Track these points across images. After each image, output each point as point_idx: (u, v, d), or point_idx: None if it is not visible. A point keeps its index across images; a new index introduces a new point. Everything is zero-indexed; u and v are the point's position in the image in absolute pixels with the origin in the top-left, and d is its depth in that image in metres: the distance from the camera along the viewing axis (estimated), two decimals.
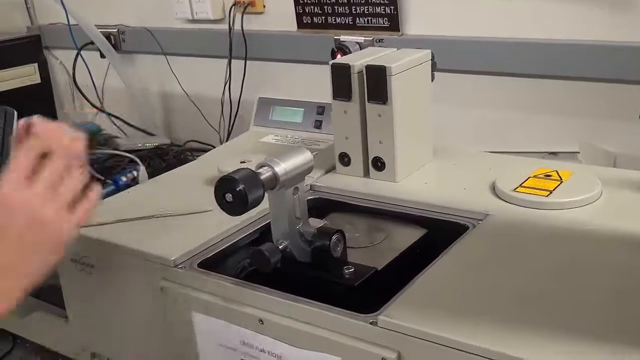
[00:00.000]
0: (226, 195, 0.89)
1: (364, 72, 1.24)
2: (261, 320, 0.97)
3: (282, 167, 0.94)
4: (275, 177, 0.94)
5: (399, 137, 1.25)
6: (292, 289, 0.97)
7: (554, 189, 1.15)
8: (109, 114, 2.43)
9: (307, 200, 1.27)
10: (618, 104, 1.57)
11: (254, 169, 0.94)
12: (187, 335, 1.06)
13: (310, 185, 1.31)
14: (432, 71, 1.32)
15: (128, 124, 2.43)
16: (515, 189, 1.16)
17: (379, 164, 1.28)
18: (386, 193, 1.23)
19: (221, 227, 1.13)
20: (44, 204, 0.74)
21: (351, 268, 1.02)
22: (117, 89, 2.38)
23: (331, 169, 1.35)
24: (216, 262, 1.08)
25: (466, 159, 1.36)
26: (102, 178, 2.05)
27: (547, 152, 1.65)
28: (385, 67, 1.21)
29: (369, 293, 0.99)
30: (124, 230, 1.17)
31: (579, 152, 1.65)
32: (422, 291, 0.93)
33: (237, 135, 1.65)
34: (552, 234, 1.05)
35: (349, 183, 1.29)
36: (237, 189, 0.88)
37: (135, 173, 2.02)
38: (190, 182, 1.35)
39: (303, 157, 0.98)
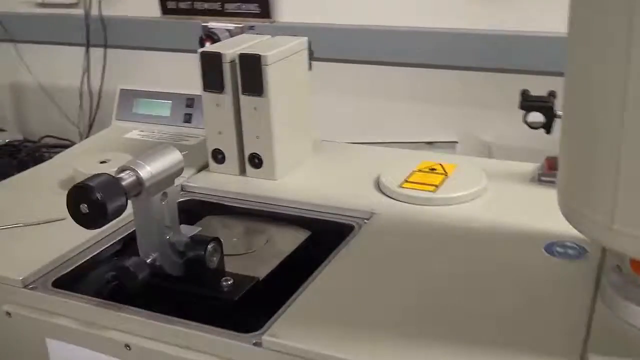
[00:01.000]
0: (81, 205, 0.76)
1: (237, 61, 1.14)
2: (128, 346, 0.85)
3: (147, 171, 0.82)
4: (139, 183, 0.82)
5: (277, 132, 1.16)
6: (163, 307, 0.86)
7: (440, 184, 1.10)
8: None
9: (179, 202, 1.14)
10: (497, 93, 1.56)
11: (114, 173, 0.82)
12: None
13: (182, 186, 1.19)
14: (309, 60, 1.23)
15: None
16: (401, 184, 1.10)
17: (257, 161, 1.18)
18: (265, 192, 1.14)
19: (79, 237, 0.99)
20: None
21: (230, 280, 0.92)
22: None
23: (204, 167, 1.24)
24: (74, 280, 0.95)
25: (349, 153, 1.29)
26: None
27: (426, 142, 1.62)
28: (260, 55, 1.11)
29: (251, 308, 0.89)
30: None
31: (457, 142, 1.63)
32: (309, 304, 0.84)
33: (100, 131, 1.50)
34: (442, 232, 0.99)
35: (224, 182, 1.19)
36: (94, 199, 0.75)
37: None
38: (43, 186, 1.19)
39: (171, 158, 0.86)
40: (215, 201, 1.15)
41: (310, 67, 1.24)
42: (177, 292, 0.91)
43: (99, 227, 0.77)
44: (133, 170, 0.82)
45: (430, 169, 1.15)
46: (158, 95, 1.42)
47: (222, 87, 1.15)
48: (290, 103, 1.19)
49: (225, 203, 1.15)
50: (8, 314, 0.92)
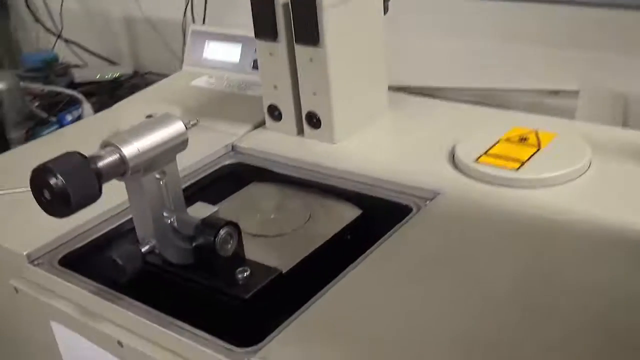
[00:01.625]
0: (44, 191, 0.64)
1: (290, 4, 0.96)
2: (120, 343, 0.74)
3: (134, 148, 0.69)
4: (122, 162, 0.68)
5: (336, 88, 0.98)
6: (168, 300, 0.75)
7: (527, 159, 0.88)
8: (68, 41, 2.17)
9: (225, 165, 1.02)
10: (631, 35, 1.27)
11: (100, 149, 0.69)
12: (51, 346, 0.84)
13: (232, 145, 1.05)
14: (385, 1, 1.03)
15: (89, 51, 2.18)
16: (478, 158, 0.89)
17: (314, 121, 1.01)
18: (318, 158, 0.98)
19: (96, 208, 0.88)
20: None
21: (247, 271, 0.78)
22: (77, 13, 2.12)
23: (261, 124, 1.09)
24: (84, 258, 0.85)
25: (430, 111, 1.08)
26: (45, 116, 1.82)
27: (538, 90, 1.36)
28: None
29: (263, 309, 0.75)
30: None
31: (579, 91, 1.36)
32: (325, 314, 0.68)
33: None
34: (518, 225, 0.79)
35: (277, 143, 1.03)
36: (53, 184, 0.63)
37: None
38: (86, 141, 1.10)
39: (169, 131, 0.72)
40: (261, 166, 1.01)
41: (386, 10, 1.04)
42: (187, 284, 0.78)
43: (64, 216, 0.65)
44: (115, 147, 0.68)
45: (520, 139, 0.93)
46: (229, 38, 1.28)
47: (275, 35, 0.99)
48: (355, 54, 1.00)
49: (272, 169, 1.00)
50: (16, 289, 0.85)
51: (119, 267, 0.72)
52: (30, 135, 1.75)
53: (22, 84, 1.90)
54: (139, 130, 0.71)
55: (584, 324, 0.63)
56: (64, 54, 2.14)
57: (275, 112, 1.05)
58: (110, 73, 2.04)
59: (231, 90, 1.22)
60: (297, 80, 1.01)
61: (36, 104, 1.90)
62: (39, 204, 0.66)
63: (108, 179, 0.68)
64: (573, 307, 0.65)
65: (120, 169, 0.69)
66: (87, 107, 1.75)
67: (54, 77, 2.05)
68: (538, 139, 0.93)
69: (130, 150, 0.69)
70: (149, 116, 1.06)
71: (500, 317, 0.65)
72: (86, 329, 0.77)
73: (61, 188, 0.63)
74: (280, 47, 0.99)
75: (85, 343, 0.78)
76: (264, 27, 0.99)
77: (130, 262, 0.73)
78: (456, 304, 0.68)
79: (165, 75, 1.91)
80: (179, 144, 0.73)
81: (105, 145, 0.69)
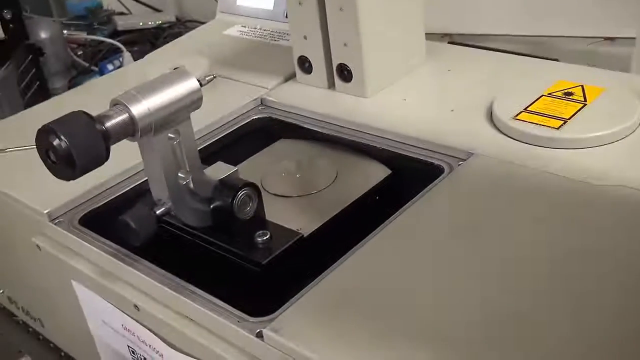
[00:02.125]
0: (49, 152, 0.62)
1: None
2: (137, 307, 0.72)
3: (143, 107, 0.66)
4: (131, 122, 0.65)
5: (367, 38, 0.92)
6: (185, 264, 0.73)
7: (571, 116, 0.82)
8: None
9: (253, 120, 0.99)
10: None
11: (109, 108, 0.66)
12: (74, 304, 0.83)
13: (261, 99, 1.01)
14: None
15: None
16: (517, 115, 0.83)
17: (346, 73, 0.96)
18: (348, 114, 0.93)
19: (120, 165, 0.87)
20: None
21: (267, 234, 0.74)
22: None
23: (293, 76, 1.04)
24: (105, 218, 0.83)
25: (470, 63, 1.02)
26: (87, 65, 1.82)
27: (591, 38, 1.27)
28: None
29: (284, 273, 0.72)
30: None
31: (635, 38, 1.27)
32: (343, 284, 0.65)
33: None
34: (559, 190, 0.73)
35: (307, 97, 0.99)
36: (57, 145, 0.60)
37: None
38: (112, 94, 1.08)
39: (181, 89, 0.69)
40: (290, 121, 0.97)
41: None
42: (204, 246, 0.76)
43: (71, 179, 0.63)
44: (124, 105, 0.65)
45: (564, 94, 0.87)
46: None
47: None
48: (389, 1, 0.94)
49: (301, 124, 0.95)
50: (38, 247, 0.84)
51: (131, 230, 0.70)
52: (73, 84, 1.75)
53: (65, 32, 1.89)
54: (149, 87, 0.67)
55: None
56: (108, 1, 2.12)
57: (305, 64, 1.00)
58: (153, 20, 2.01)
59: (264, 40, 1.17)
60: (327, 31, 0.95)
61: (79, 52, 1.90)
62: (46, 167, 0.64)
63: (116, 140, 0.65)
64: (615, 285, 0.60)
65: (130, 129, 0.66)
66: (127, 55, 1.73)
67: (98, 25, 2.04)
68: (584, 93, 0.86)
69: (139, 109, 0.65)
70: (176, 69, 1.03)
71: (537, 292, 0.61)
72: (105, 291, 0.76)
73: (65, 150, 0.60)
74: None
75: (105, 304, 0.77)
76: None
77: (144, 224, 0.70)
78: (486, 275, 0.63)
79: (205, 23, 1.88)
80: (193, 102, 0.70)
81: (114, 103, 0.66)
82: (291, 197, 0.84)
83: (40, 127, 0.62)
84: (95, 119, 0.63)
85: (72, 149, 0.60)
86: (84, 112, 0.63)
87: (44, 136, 0.61)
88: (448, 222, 0.71)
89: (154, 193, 0.73)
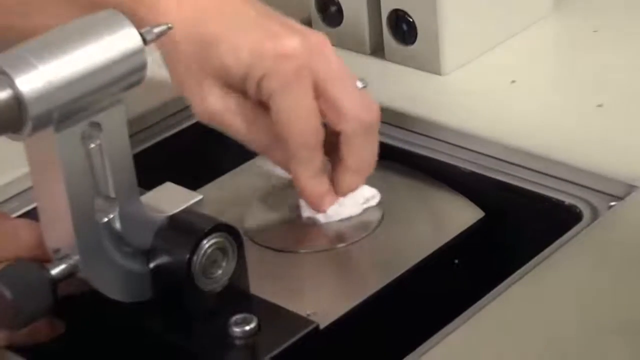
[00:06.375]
0: None
1: None
2: None
3: (38, 77, 0.34)
4: (16, 105, 0.34)
5: None
6: None
7: None
8: None
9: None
10: None
11: None
12: None
13: None
14: None
15: None
16: None
17: (404, 27, 0.63)
18: (409, 104, 0.59)
19: None
20: None
21: (252, 321, 0.42)
22: None
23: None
24: None
25: (631, 18, 0.68)
26: None
27: None
28: None
29: None
30: None
31: None
32: None
33: None
34: None
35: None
36: None
37: None
38: None
39: (111, 49, 0.37)
40: None
41: None
42: (137, 342, 0.44)
43: None
44: (4, 74, 0.34)
45: None
46: None
47: None
48: None
49: None
50: None
51: (4, 306, 0.37)
52: None
53: None
54: (51, 43, 0.35)
55: None
56: None
57: (331, 8, 0.66)
58: None
59: None
60: None
61: None
62: None
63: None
64: None
65: (13, 115, 0.34)
66: None
67: None
68: None
69: (31, 80, 0.33)
70: None
71: None
72: None
73: None
74: None
75: None
76: None
77: (27, 295, 0.38)
78: None
79: None
80: (130, 71, 0.38)
81: None
82: (297, 254, 0.51)
83: None
84: None
85: None
86: None
87: None
88: (592, 314, 0.41)
89: (49, 237, 0.40)
